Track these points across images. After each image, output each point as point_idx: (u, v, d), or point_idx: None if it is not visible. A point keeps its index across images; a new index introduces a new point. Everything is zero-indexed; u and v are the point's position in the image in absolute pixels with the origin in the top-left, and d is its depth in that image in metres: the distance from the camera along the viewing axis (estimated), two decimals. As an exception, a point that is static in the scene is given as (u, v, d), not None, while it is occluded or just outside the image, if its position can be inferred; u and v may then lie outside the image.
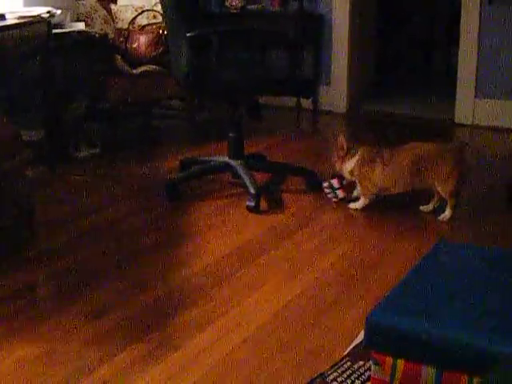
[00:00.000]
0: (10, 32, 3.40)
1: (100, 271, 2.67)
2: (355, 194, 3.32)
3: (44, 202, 3.37)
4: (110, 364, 2.00)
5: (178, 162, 3.83)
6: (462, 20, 5.01)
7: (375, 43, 6.12)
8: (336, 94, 5.54)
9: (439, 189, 3.12)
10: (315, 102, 5.54)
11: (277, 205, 3.37)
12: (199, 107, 5.07)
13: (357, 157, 3.20)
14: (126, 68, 4.35)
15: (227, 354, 2.05)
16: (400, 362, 1.51)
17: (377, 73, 6.20)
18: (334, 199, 3.36)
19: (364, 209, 3.25)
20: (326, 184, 3.37)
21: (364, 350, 1.63)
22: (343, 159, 3.23)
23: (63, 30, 4.01)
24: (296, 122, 5.44)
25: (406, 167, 3.10)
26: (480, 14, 4.93)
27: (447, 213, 3.14)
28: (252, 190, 3.25)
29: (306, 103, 5.44)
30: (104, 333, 2.18)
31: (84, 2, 4.54)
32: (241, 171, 3.38)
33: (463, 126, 5.03)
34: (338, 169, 3.27)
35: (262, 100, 5.02)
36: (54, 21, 3.86)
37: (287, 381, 1.81)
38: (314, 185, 3.52)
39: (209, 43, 3.20)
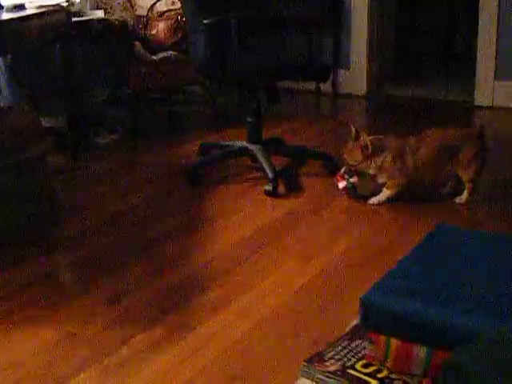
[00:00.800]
0: (30, 22, 3.44)
1: (120, 256, 2.72)
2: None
3: (66, 189, 3.44)
4: (128, 346, 2.05)
5: (197, 147, 3.88)
6: (481, 1, 4.99)
7: (394, 26, 6.10)
8: (356, 77, 5.55)
9: (461, 174, 3.14)
10: (335, 86, 5.55)
11: (294, 189, 3.40)
12: (219, 92, 5.10)
13: (385, 153, 3.12)
14: (146, 54, 4.39)
15: (241, 336, 2.09)
16: (393, 341, 1.57)
17: (397, 56, 6.18)
18: (345, 191, 3.24)
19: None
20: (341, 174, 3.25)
21: (360, 330, 1.68)
22: (369, 157, 3.12)
23: (83, 18, 4.06)
24: (315, 105, 5.46)
25: (433, 155, 3.10)
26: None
27: (464, 196, 3.16)
28: (270, 175, 3.29)
29: (326, 86, 5.46)
30: (123, 316, 2.24)
31: (103, -10, 4.58)
32: (259, 155, 3.41)
33: (482, 108, 5.01)
34: (363, 167, 3.14)
35: (281, 84, 5.07)
36: (73, 9, 3.91)
37: (300, 362, 1.85)
38: (332, 169, 3.54)
39: (226, 29, 3.23)
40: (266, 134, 3.68)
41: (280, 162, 3.68)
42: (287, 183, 3.45)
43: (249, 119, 3.51)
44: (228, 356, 1.99)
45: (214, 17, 3.21)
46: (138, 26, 4.53)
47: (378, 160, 3.12)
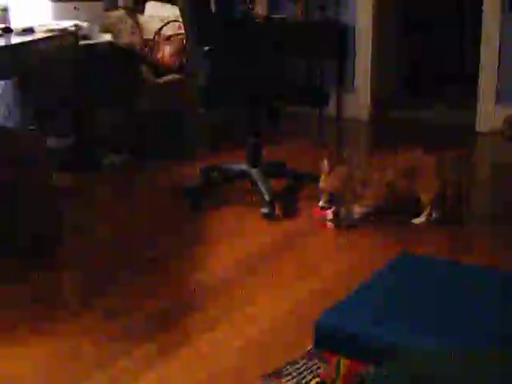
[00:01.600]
0: (39, 45, 3.56)
1: (120, 275, 2.81)
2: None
3: (71, 209, 3.53)
4: (123, 361, 2.14)
5: (199, 169, 3.96)
6: (483, 27, 5.07)
7: (399, 50, 6.19)
8: (359, 101, 5.64)
9: (421, 196, 3.26)
10: (339, 109, 5.64)
11: (291, 212, 3.48)
12: (223, 114, 5.19)
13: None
14: (152, 77, 4.50)
15: (233, 353, 2.18)
16: (344, 361, 1.68)
17: (401, 80, 6.27)
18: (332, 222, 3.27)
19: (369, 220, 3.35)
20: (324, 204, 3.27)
21: (314, 350, 1.78)
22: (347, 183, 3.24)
23: (91, 42, 4.18)
24: (318, 129, 5.54)
25: (395, 178, 3.24)
26: (501, 21, 5.00)
27: (422, 217, 3.28)
28: (267, 198, 3.38)
29: (330, 110, 5.54)
30: (119, 332, 2.33)
31: (111, 14, 4.70)
32: (257, 179, 3.51)
33: (483, 133, 5.08)
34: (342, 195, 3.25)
35: (285, 107, 5.15)
36: (81, 33, 4.03)
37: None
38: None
39: (225, 55, 3.33)
40: (268, 156, 3.77)
41: (280, 184, 3.77)
42: (284, 206, 3.53)
43: (248, 143, 3.60)
44: (219, 373, 2.07)
45: (213, 43, 3.32)
46: (144, 49, 4.65)
47: (357, 184, 3.25)
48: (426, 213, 3.27)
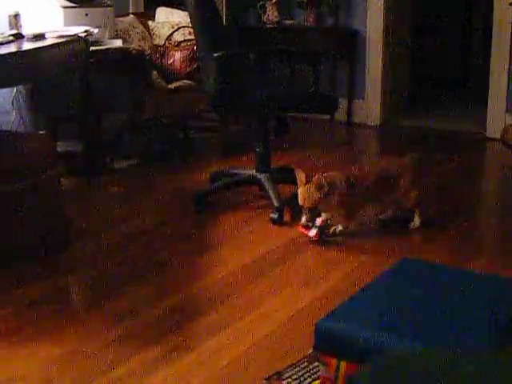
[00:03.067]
0: (50, 51, 3.59)
1: (127, 278, 2.83)
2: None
3: (79, 212, 3.55)
4: (127, 364, 2.15)
5: (208, 174, 3.98)
6: (494, 34, 5.07)
7: (409, 57, 6.19)
8: (370, 107, 5.64)
9: (403, 202, 3.26)
10: (349, 115, 5.65)
11: (299, 217, 3.48)
12: (233, 120, 5.22)
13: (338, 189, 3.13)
14: (162, 83, 4.53)
15: (236, 357, 2.18)
16: (343, 363, 1.69)
17: (411, 87, 6.27)
18: (317, 237, 3.12)
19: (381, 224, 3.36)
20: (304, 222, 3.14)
21: (314, 352, 1.79)
22: (326, 195, 3.07)
23: (101, 47, 4.20)
24: (329, 134, 5.55)
25: (374, 184, 3.19)
26: (512, 28, 5.00)
27: (416, 221, 3.29)
28: (275, 203, 3.39)
29: (341, 116, 5.56)
30: (124, 335, 2.34)
31: (122, 19, 4.73)
32: (266, 184, 3.51)
33: (494, 140, 5.07)
34: (323, 207, 3.11)
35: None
36: (92, 38, 4.05)
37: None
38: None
39: (237, 61, 3.35)
40: (279, 161, 3.78)
41: (289, 190, 3.77)
42: (293, 211, 3.54)
43: (257, 149, 3.61)
44: (224, 374, 2.08)
45: (224, 50, 3.33)
46: (155, 55, 4.68)
47: (334, 196, 3.09)
48: (417, 215, 3.27)
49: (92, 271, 2.92)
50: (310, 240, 3.12)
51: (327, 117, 5.62)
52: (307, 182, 3.06)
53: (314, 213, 3.08)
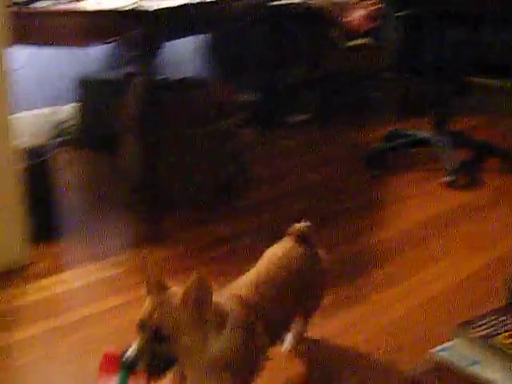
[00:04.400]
0: (231, 3, 3.68)
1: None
2: None
3: (254, 162, 3.66)
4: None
5: (383, 133, 3.97)
6: None
7: None
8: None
9: None
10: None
11: (473, 182, 3.43)
12: (413, 80, 5.14)
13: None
14: (341, 40, 4.54)
15: (402, 315, 2.20)
16: None
17: None
18: None
19: None
20: None
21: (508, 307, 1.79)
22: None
23: (282, 2, 4.27)
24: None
25: None
26: None
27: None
28: (449, 166, 3.35)
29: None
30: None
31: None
32: (441, 147, 3.47)
33: None
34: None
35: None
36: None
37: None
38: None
39: (420, 22, 3.31)
40: (454, 126, 3.72)
41: (463, 154, 3.71)
42: (466, 176, 3.48)
43: (434, 111, 3.56)
44: (390, 331, 2.12)
45: (408, 9, 3.30)
46: (334, 11, 4.68)
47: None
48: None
49: (263, 219, 3.01)
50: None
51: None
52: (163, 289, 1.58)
53: None
